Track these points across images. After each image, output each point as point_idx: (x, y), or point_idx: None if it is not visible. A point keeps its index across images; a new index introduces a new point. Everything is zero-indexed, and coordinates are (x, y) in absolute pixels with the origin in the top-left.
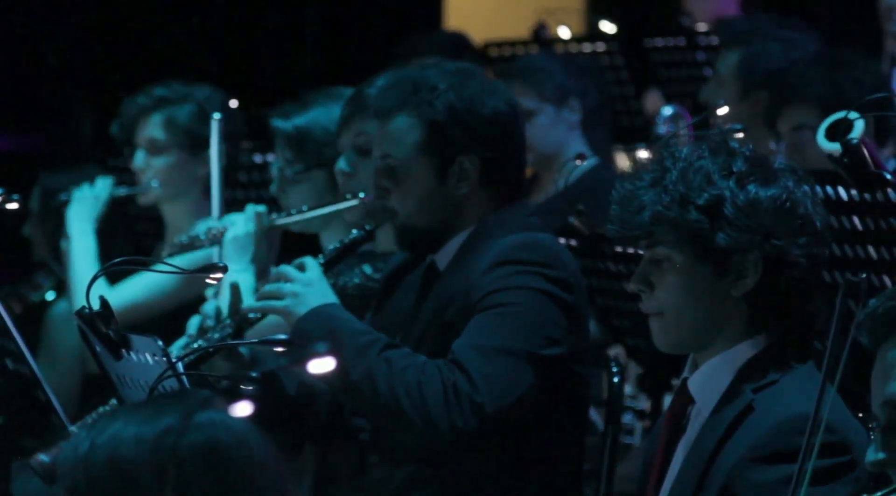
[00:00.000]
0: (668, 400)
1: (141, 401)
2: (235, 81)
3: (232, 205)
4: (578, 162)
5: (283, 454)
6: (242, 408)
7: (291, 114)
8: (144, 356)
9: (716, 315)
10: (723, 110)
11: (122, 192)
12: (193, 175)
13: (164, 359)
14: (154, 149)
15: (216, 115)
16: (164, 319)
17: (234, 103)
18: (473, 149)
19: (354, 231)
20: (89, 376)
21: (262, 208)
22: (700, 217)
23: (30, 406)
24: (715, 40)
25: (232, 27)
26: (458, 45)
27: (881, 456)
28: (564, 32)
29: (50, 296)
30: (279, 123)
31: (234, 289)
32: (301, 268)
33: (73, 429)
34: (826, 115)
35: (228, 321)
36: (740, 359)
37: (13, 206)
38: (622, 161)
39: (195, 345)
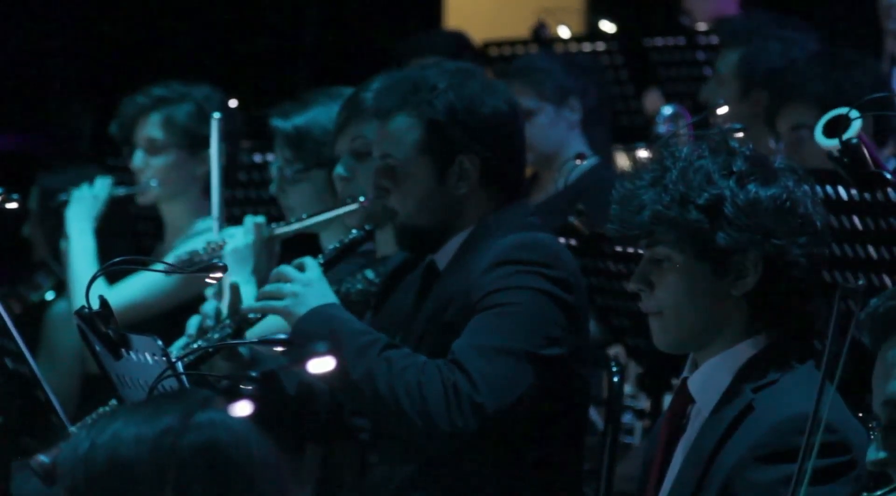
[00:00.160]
0: (667, 399)
1: (141, 401)
2: (235, 81)
3: (232, 204)
4: (578, 161)
5: (283, 454)
6: (242, 408)
7: (291, 113)
8: (144, 356)
9: (716, 315)
10: (723, 110)
11: (121, 191)
12: (192, 174)
13: (164, 358)
14: (153, 148)
15: (216, 115)
16: (164, 319)
17: (233, 103)
18: (473, 148)
19: (354, 231)
20: (89, 376)
21: (260, 219)
22: (700, 216)
23: (30, 406)
24: (715, 40)
25: (232, 27)
26: (458, 44)
27: (882, 455)
28: (564, 32)
29: (49, 295)
30: (279, 123)
31: (234, 289)
32: (301, 268)
33: (72, 429)
34: (824, 114)
35: (228, 321)
36: (740, 358)
37: (13, 205)
38: (622, 160)
39: (195, 346)
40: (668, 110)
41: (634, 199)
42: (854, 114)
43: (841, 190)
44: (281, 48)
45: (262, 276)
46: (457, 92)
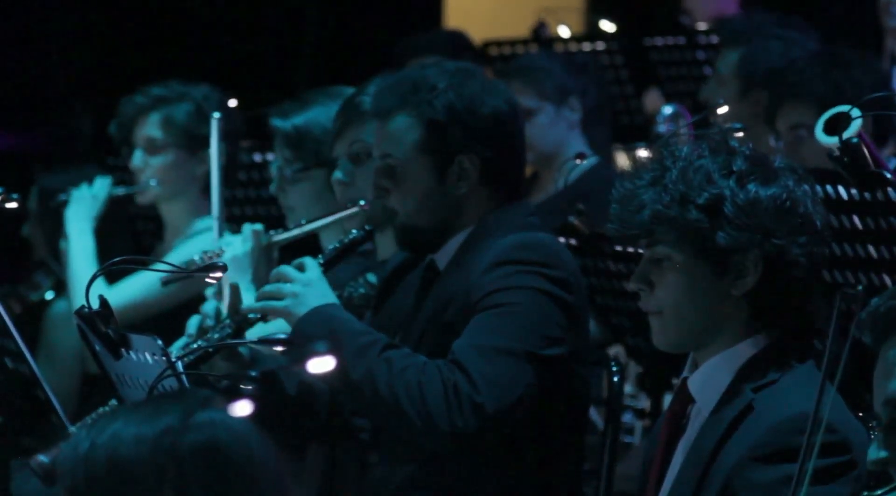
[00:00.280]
0: (667, 399)
1: (141, 401)
2: (235, 81)
3: (231, 204)
4: (578, 161)
5: (283, 454)
6: (242, 408)
7: (290, 113)
8: (144, 355)
9: (715, 314)
10: (723, 109)
11: (121, 191)
12: (192, 174)
13: (164, 358)
14: (152, 148)
15: (216, 114)
16: (164, 319)
17: (233, 102)
18: (473, 148)
19: (354, 231)
20: (88, 376)
21: (258, 227)
22: (700, 216)
23: (30, 406)
24: (715, 39)
25: (232, 27)
26: (458, 44)
27: (883, 454)
28: (564, 31)
29: (49, 295)
30: (278, 122)
31: (234, 289)
32: (300, 268)
33: (72, 429)
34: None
35: (228, 321)
36: (740, 358)
37: (12, 205)
38: (622, 160)
39: (195, 346)
40: (668, 110)
41: (634, 198)
42: (855, 112)
43: (841, 189)
44: (281, 48)
45: (261, 284)
46: (457, 92)
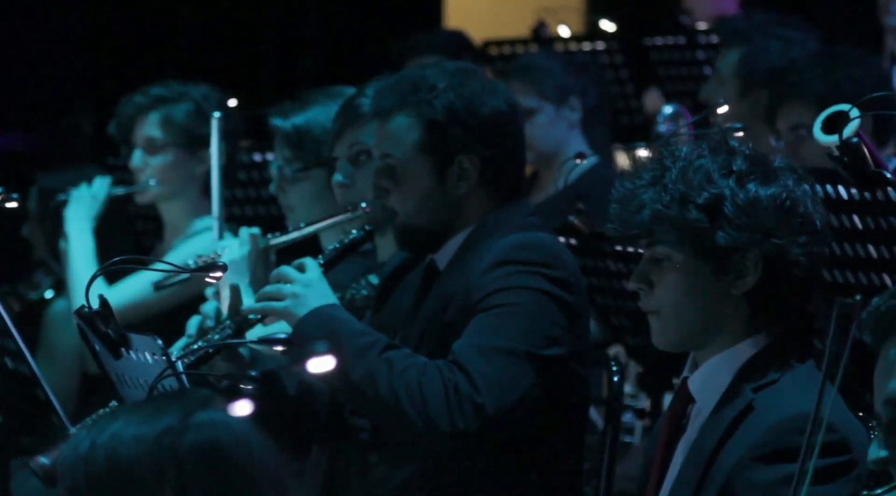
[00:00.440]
0: (668, 399)
1: (141, 401)
2: (235, 80)
3: (231, 203)
4: (578, 161)
5: (284, 454)
6: (242, 408)
7: (290, 113)
8: (144, 355)
9: (715, 314)
10: (723, 109)
11: (120, 191)
12: (191, 173)
13: (164, 358)
14: (151, 148)
15: (216, 114)
16: (164, 319)
17: (232, 102)
18: (473, 148)
19: (354, 231)
20: (88, 375)
21: (255, 230)
22: (700, 216)
23: (30, 406)
24: (715, 39)
25: (232, 26)
26: (458, 43)
27: (883, 454)
28: (564, 31)
29: (48, 294)
30: (278, 122)
31: (234, 290)
32: (301, 268)
33: (72, 429)
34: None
35: (228, 322)
36: (740, 358)
37: (12, 205)
38: (622, 160)
39: (195, 346)
40: (668, 109)
41: (634, 198)
42: (853, 112)
43: (841, 189)
44: (281, 48)
45: (259, 287)
46: (457, 92)
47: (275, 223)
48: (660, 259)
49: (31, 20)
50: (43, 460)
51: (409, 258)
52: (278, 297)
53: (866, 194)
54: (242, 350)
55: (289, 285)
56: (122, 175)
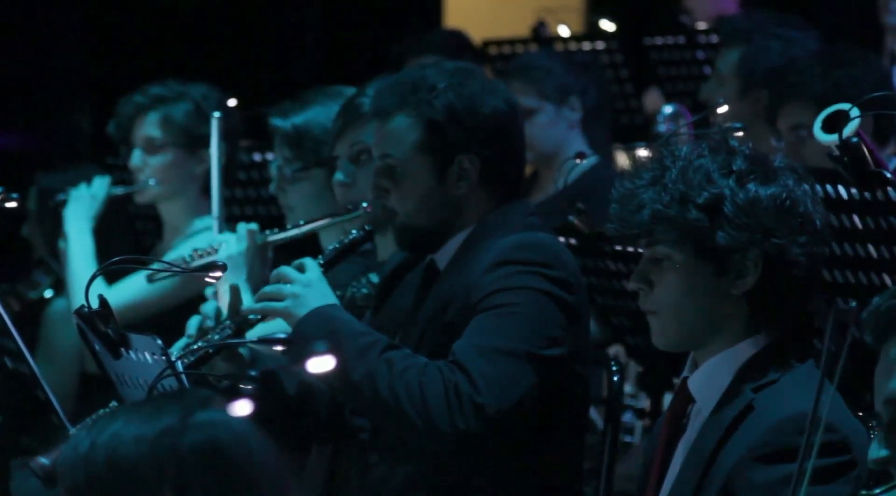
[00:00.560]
0: (667, 399)
1: (141, 401)
2: (235, 80)
3: (231, 203)
4: (578, 160)
5: (283, 454)
6: (242, 408)
7: (290, 112)
8: (143, 355)
9: (715, 314)
10: (723, 109)
11: (120, 191)
12: (191, 173)
13: (164, 358)
14: (151, 147)
15: (216, 114)
16: (164, 319)
17: (232, 102)
18: (473, 148)
19: (354, 231)
20: (87, 375)
21: (253, 226)
22: (700, 216)
23: (29, 405)
24: (715, 38)
25: (232, 26)
26: (458, 43)
27: (884, 453)
28: (564, 31)
29: (48, 293)
30: (278, 122)
31: (234, 290)
32: (300, 268)
33: (72, 430)
34: None
35: (228, 322)
36: (740, 358)
37: (12, 204)
38: (622, 159)
39: (195, 347)
40: (668, 109)
41: (634, 198)
42: (853, 111)
43: (841, 189)
44: (281, 48)
45: (255, 283)
46: (456, 91)
47: (274, 223)
48: (660, 259)
49: (31, 20)
50: (43, 460)
51: (408, 258)
52: (278, 298)
53: (866, 194)
54: (242, 350)
55: (289, 285)
56: (122, 175)
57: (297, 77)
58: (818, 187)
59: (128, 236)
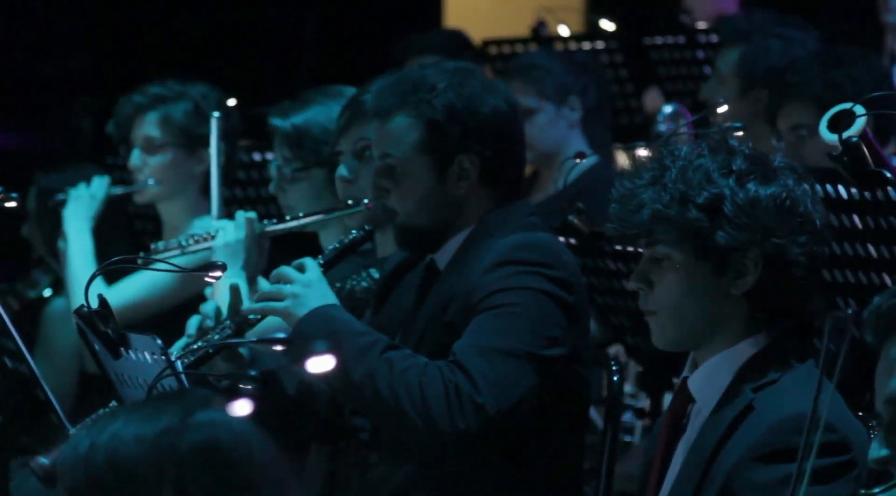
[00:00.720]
0: (667, 398)
1: (141, 401)
2: (235, 80)
3: (231, 203)
4: (578, 160)
5: (283, 454)
6: (242, 408)
7: (290, 112)
8: (143, 355)
9: (715, 314)
10: (723, 108)
11: (119, 190)
12: (190, 173)
13: (163, 358)
14: (150, 147)
15: (215, 114)
16: (164, 319)
17: (231, 101)
18: (473, 148)
19: (354, 231)
20: (86, 374)
21: (252, 215)
22: (699, 215)
23: (29, 405)
24: (715, 38)
25: (232, 26)
26: (458, 43)
27: (884, 453)
28: (564, 30)
29: (47, 292)
30: (277, 122)
31: (234, 290)
32: (300, 268)
33: (72, 429)
34: (824, 114)
35: (228, 322)
36: (740, 358)
37: (11, 204)
38: (622, 159)
39: (195, 347)
40: (668, 109)
41: (634, 197)
42: (859, 109)
43: (841, 188)
44: (281, 48)
45: (251, 272)
46: (456, 91)
47: None
48: (659, 259)
49: (31, 20)
50: (43, 460)
51: (409, 258)
52: (278, 298)
53: (866, 194)
54: (242, 350)
55: (289, 285)
56: (121, 175)
57: (297, 77)
58: (818, 187)
59: (127, 236)
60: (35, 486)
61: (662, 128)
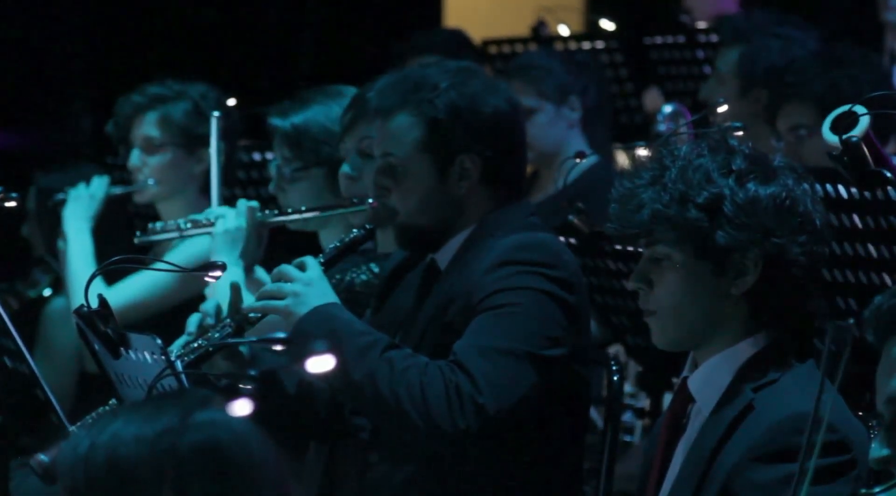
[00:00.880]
0: (667, 398)
1: (141, 401)
2: (235, 79)
3: (231, 202)
4: (578, 160)
5: (283, 453)
6: (242, 407)
7: (289, 112)
8: (143, 355)
9: (715, 313)
10: (722, 108)
11: (119, 190)
12: (189, 173)
13: (163, 357)
14: (150, 147)
15: (215, 113)
16: (164, 319)
17: (231, 101)
18: (474, 147)
19: (354, 230)
20: (85, 373)
21: (254, 204)
22: (699, 215)
23: (29, 405)
24: (714, 38)
25: (231, 26)
26: (458, 43)
27: (885, 452)
28: (564, 30)
29: (46, 292)
30: (277, 122)
31: (235, 288)
32: (301, 267)
33: (71, 428)
34: (824, 114)
35: (228, 320)
36: (740, 358)
37: (11, 204)
38: (622, 159)
39: (195, 345)
40: (667, 109)
41: (634, 197)
42: (860, 110)
43: (841, 188)
44: (281, 48)
45: (249, 261)
46: (458, 91)
47: None
48: (659, 258)
49: (31, 20)
50: (42, 458)
51: (409, 257)
52: (279, 296)
53: (866, 194)
54: (242, 349)
55: (289, 284)
56: (121, 174)
57: (297, 77)
58: (818, 187)
59: (127, 236)
60: (35, 486)
61: (662, 127)
